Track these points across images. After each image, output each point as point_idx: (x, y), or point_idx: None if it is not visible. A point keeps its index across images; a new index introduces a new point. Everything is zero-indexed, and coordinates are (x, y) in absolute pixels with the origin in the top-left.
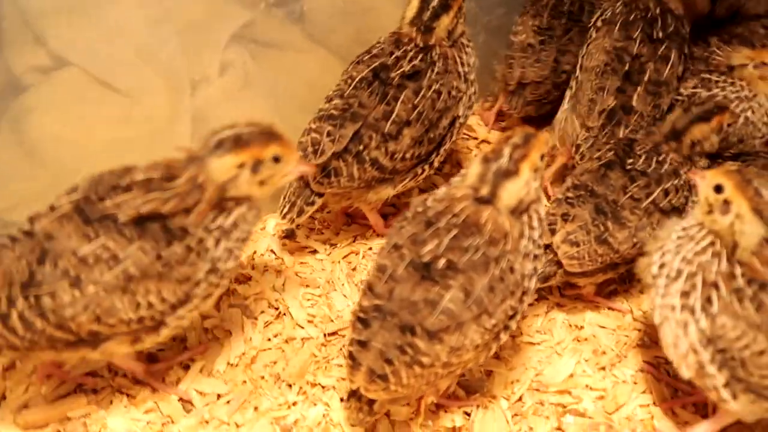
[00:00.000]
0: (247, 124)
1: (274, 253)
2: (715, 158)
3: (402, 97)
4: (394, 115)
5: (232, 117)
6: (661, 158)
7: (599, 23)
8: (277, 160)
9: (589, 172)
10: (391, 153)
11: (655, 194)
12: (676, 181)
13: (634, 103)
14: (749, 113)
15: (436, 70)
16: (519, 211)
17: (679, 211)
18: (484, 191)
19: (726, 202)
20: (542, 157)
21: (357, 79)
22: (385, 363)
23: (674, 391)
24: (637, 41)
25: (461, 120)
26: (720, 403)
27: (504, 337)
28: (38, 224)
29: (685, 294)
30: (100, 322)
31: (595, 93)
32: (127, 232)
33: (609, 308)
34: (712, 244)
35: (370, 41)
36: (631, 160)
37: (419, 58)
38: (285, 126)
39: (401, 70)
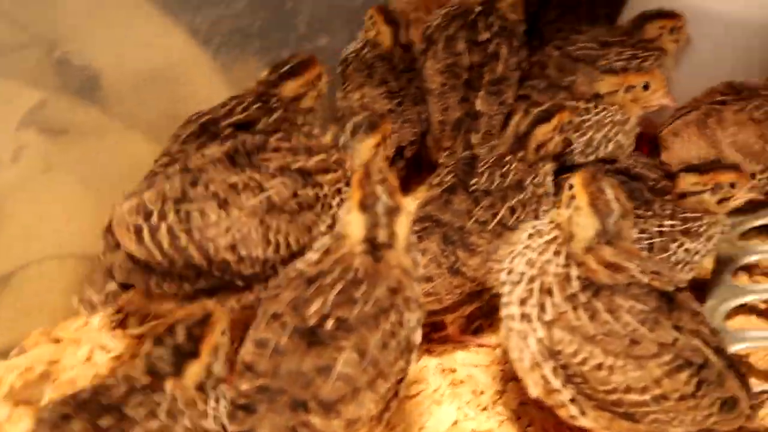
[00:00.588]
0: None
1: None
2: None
3: None
4: None
5: (36, 201)
6: (504, 171)
7: (424, 45)
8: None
9: (432, 200)
10: None
11: (501, 213)
12: (521, 196)
13: (478, 107)
14: (620, 136)
15: (274, 116)
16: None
17: None
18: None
19: (572, 197)
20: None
21: (184, 136)
22: None
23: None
24: (465, 53)
25: None
26: (571, 420)
27: (393, 406)
28: (191, 163)
29: (522, 301)
30: (234, 251)
31: (441, 114)
32: (273, 172)
33: (478, 345)
34: (555, 239)
35: (183, 113)
36: (473, 180)
37: (256, 106)
38: (101, 207)
39: (234, 118)
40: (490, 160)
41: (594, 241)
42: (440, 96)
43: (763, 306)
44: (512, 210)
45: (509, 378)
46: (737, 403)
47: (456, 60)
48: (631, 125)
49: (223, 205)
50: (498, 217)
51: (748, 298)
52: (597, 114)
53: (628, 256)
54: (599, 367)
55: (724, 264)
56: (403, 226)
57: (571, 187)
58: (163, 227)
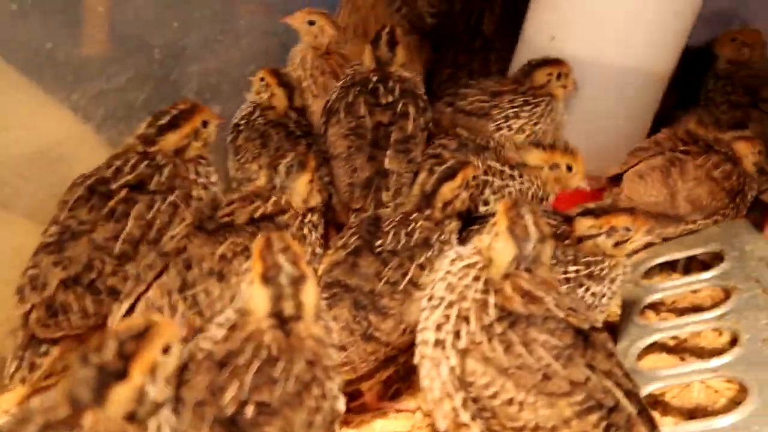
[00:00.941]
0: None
1: None
2: None
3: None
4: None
5: None
6: (409, 230)
7: (325, 117)
8: None
9: (338, 264)
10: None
11: (411, 272)
12: (428, 253)
13: (387, 165)
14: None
15: (165, 173)
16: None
17: None
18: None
19: (494, 224)
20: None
21: (72, 201)
22: None
23: None
24: (367, 115)
25: None
26: None
27: None
28: (167, 247)
29: (439, 327)
30: None
31: (350, 176)
32: (249, 229)
33: (397, 410)
34: (476, 264)
35: None
36: (379, 241)
37: (144, 164)
38: None
39: (123, 180)
40: (396, 220)
41: (511, 267)
42: (347, 159)
43: (672, 342)
44: (422, 267)
45: None
46: None
47: (359, 122)
48: (548, 204)
49: (221, 278)
50: (408, 276)
51: (656, 337)
52: (521, 184)
53: (545, 287)
54: (510, 402)
55: (630, 304)
56: (310, 294)
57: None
58: (177, 318)
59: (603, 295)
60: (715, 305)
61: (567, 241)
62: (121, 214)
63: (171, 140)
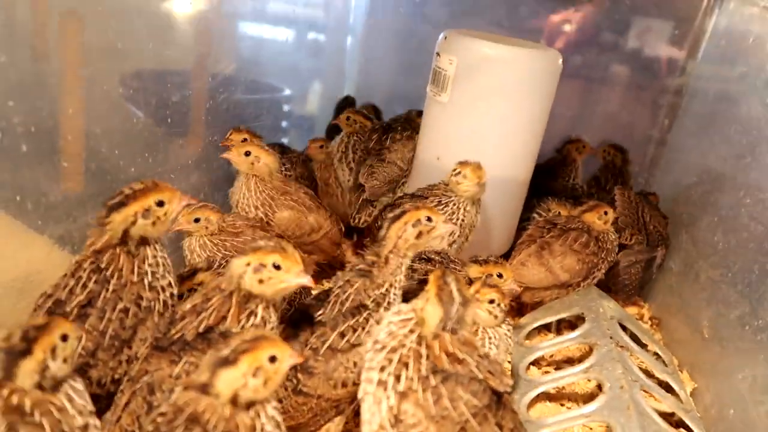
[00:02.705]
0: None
1: None
2: None
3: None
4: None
5: None
6: (345, 297)
7: None
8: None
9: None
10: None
11: (330, 339)
12: (353, 321)
13: None
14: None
15: (111, 288)
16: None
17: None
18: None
19: (426, 290)
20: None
21: None
22: None
23: None
24: None
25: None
26: None
27: None
28: (132, 371)
29: (382, 368)
30: None
31: None
32: (199, 346)
33: None
34: (412, 319)
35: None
36: (320, 312)
37: (93, 279)
38: None
39: (76, 300)
40: (339, 286)
41: (439, 327)
42: None
43: (553, 391)
44: (342, 335)
45: None
46: None
47: None
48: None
49: None
50: (327, 343)
51: (541, 389)
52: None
53: (468, 348)
54: None
55: (518, 362)
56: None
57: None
58: None
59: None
60: (582, 357)
61: None
62: None
63: (117, 220)
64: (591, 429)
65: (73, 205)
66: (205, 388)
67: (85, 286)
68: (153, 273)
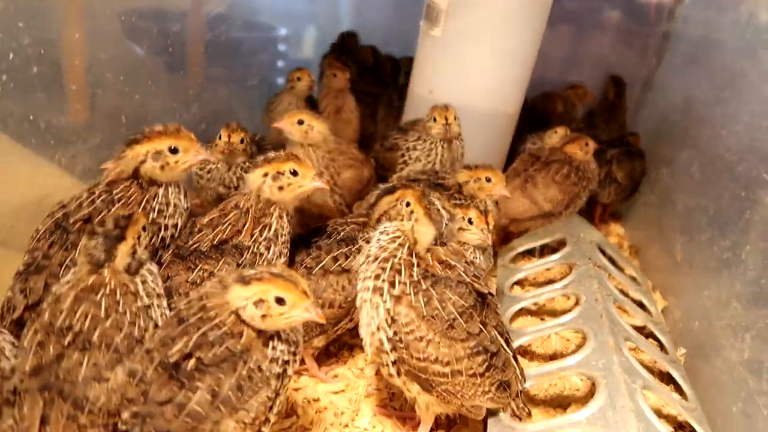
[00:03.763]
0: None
1: None
2: None
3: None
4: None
5: None
6: (339, 229)
7: None
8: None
9: None
10: None
11: (324, 261)
12: (345, 249)
13: None
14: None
15: (114, 210)
16: None
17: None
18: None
19: (411, 212)
20: None
21: (40, 233)
22: None
23: (403, 420)
24: None
25: None
26: (389, 378)
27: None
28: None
29: (377, 276)
30: None
31: None
32: (213, 255)
33: (334, 376)
34: (400, 237)
35: None
36: (316, 238)
37: (101, 198)
38: None
39: (80, 214)
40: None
41: (433, 243)
42: None
43: (534, 308)
44: (335, 259)
45: (362, 398)
46: (510, 387)
47: None
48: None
49: None
50: (321, 264)
51: (523, 304)
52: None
53: (457, 257)
54: (421, 339)
55: (503, 282)
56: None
57: (408, 204)
58: None
59: None
60: (562, 278)
61: None
62: (71, 244)
63: (129, 156)
64: (568, 339)
65: (80, 131)
66: (222, 292)
67: (92, 202)
68: (160, 211)
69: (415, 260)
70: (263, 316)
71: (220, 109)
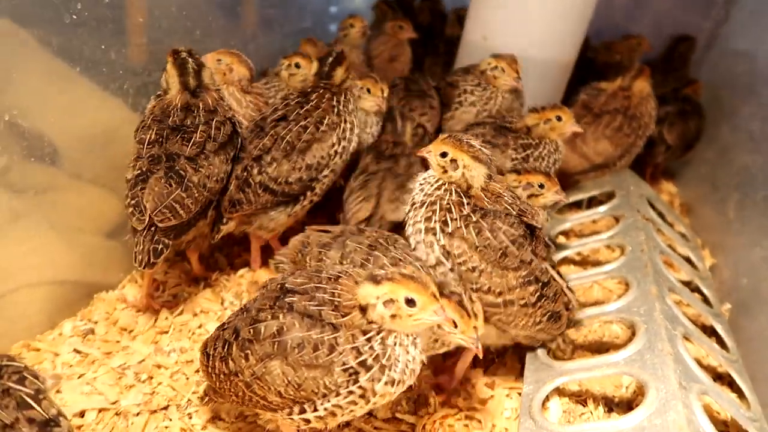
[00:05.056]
0: None
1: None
2: None
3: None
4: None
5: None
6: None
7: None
8: None
9: None
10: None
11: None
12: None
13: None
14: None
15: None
16: None
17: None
18: None
19: (453, 161)
20: None
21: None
22: None
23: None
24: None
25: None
26: None
27: None
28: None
29: (428, 218)
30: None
31: None
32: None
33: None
34: (445, 184)
35: (122, 165)
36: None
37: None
38: (70, 246)
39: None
40: None
41: (486, 181)
42: None
43: (578, 258)
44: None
45: None
46: (560, 318)
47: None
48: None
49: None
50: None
51: (566, 253)
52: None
53: (504, 189)
54: (473, 269)
55: (547, 231)
56: None
57: (444, 154)
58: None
59: None
60: (608, 230)
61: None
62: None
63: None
64: (610, 290)
65: (145, 65)
66: (354, 286)
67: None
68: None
69: (465, 199)
70: (393, 316)
71: (275, 51)
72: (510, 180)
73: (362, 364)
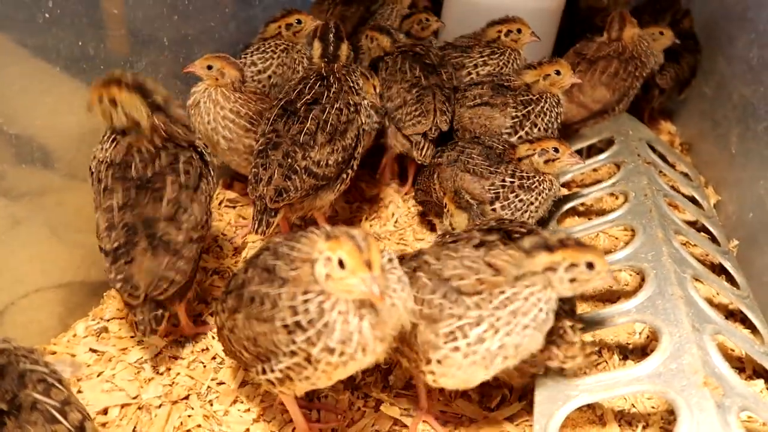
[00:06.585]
0: None
1: (95, 351)
2: None
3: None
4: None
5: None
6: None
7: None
8: None
9: None
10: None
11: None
12: None
13: None
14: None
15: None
16: None
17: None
18: None
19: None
20: None
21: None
22: None
23: None
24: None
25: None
26: None
27: None
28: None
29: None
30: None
31: None
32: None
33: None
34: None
35: None
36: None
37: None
38: (72, 247)
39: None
40: None
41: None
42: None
43: (582, 208)
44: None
45: None
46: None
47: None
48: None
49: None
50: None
51: (569, 205)
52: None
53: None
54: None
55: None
56: None
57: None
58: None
59: (530, 203)
60: (610, 177)
61: (510, 160)
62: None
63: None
64: (616, 238)
65: (125, 56)
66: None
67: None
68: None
69: None
70: (327, 276)
71: (258, 26)
72: (523, 150)
73: (298, 324)
